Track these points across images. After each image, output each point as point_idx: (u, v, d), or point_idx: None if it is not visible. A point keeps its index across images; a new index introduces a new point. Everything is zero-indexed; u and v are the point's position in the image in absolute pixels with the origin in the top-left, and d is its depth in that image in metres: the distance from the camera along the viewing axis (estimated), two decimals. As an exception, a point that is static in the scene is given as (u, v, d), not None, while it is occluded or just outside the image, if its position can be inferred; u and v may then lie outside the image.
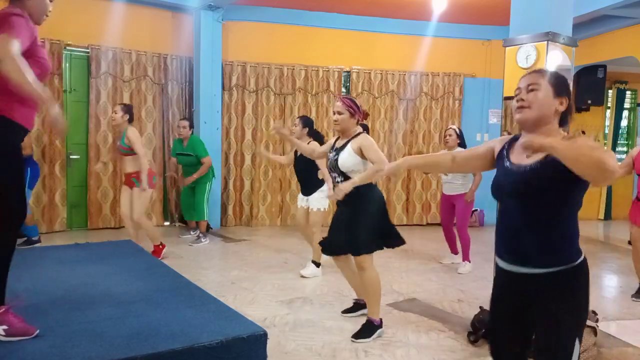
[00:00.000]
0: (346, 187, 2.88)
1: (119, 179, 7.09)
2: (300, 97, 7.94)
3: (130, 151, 5.01)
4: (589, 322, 3.24)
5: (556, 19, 3.27)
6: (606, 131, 10.01)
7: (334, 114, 3.58)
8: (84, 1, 6.83)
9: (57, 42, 6.58)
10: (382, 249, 3.57)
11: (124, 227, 7.10)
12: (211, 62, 7.38)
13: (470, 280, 5.04)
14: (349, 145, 3.51)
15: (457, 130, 5.55)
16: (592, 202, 9.92)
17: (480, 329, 3.44)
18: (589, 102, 9.11)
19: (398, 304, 4.26)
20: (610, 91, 9.83)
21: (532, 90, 1.85)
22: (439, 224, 8.48)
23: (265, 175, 7.88)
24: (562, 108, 1.86)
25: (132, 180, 5.09)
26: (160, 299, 2.59)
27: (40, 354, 1.91)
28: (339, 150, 3.56)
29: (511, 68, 3.33)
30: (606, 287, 5.28)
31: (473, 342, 3.41)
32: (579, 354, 1.81)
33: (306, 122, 5.15)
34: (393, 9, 7.71)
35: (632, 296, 4.64)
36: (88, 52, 6.90)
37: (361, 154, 3.44)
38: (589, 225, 8.98)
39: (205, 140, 7.31)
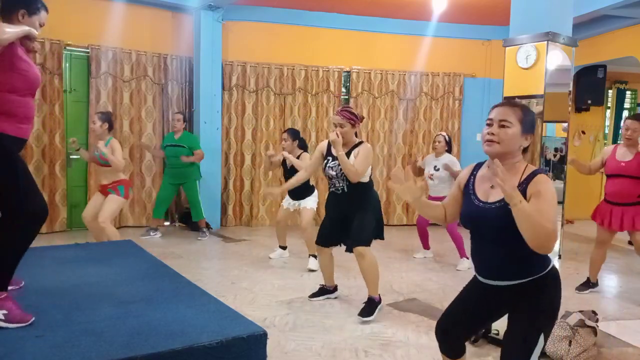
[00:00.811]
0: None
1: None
2: (300, 97, 7.94)
3: (107, 162, 4.89)
4: (588, 322, 3.25)
5: (556, 19, 3.27)
6: (606, 131, 10.01)
7: (335, 126, 3.80)
8: (84, 1, 6.83)
9: (57, 42, 6.57)
10: (378, 237, 4.01)
11: (123, 227, 7.15)
12: (211, 62, 7.38)
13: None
14: (352, 155, 3.81)
15: (446, 137, 5.75)
16: (591, 202, 9.91)
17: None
18: (589, 102, 9.11)
19: (398, 304, 4.26)
20: (610, 91, 9.83)
21: (502, 126, 2.06)
22: (439, 224, 8.50)
23: (265, 175, 7.88)
24: (526, 143, 2.11)
25: (108, 191, 5.02)
26: (160, 299, 2.59)
27: (41, 354, 1.91)
28: (335, 157, 3.83)
29: (511, 68, 3.33)
30: (606, 287, 5.28)
31: (473, 342, 3.41)
32: (542, 347, 2.02)
33: (295, 134, 5.39)
34: (393, 9, 7.71)
35: (576, 288, 4.79)
36: (88, 52, 6.90)
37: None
38: (589, 225, 8.95)
39: (205, 140, 7.34)
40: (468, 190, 2.19)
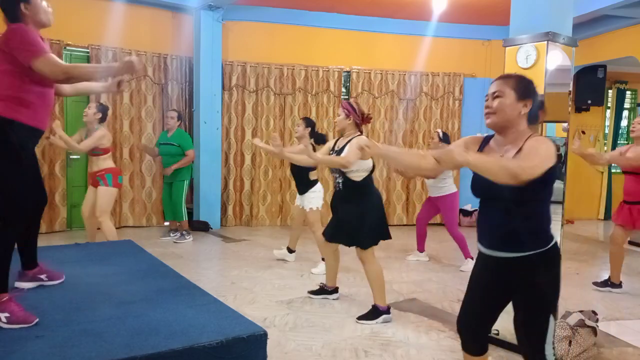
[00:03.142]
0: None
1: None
2: (300, 97, 7.94)
3: (97, 151, 4.99)
4: (588, 322, 3.25)
5: (556, 19, 3.27)
6: (606, 131, 10.01)
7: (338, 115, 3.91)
8: (84, 1, 6.83)
9: (57, 42, 6.57)
10: (376, 243, 3.85)
11: (123, 227, 7.15)
12: (211, 62, 7.38)
13: (470, 280, 5.04)
14: (347, 147, 3.75)
15: (441, 134, 5.74)
16: (592, 202, 9.92)
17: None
18: (589, 102, 9.11)
19: (398, 304, 4.26)
20: (610, 91, 9.83)
21: (496, 97, 2.10)
22: (439, 224, 8.50)
23: (265, 175, 7.88)
24: (526, 110, 2.10)
25: (97, 179, 5.04)
26: (160, 299, 2.59)
27: (41, 354, 1.91)
28: (338, 152, 3.81)
29: (511, 68, 3.32)
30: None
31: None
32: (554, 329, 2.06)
33: (309, 122, 5.29)
34: (393, 9, 7.71)
35: (594, 283, 4.89)
36: (88, 52, 6.90)
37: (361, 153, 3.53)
38: (589, 225, 8.97)
39: (205, 140, 7.34)
40: None
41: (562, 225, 3.39)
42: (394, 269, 5.40)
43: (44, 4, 2.50)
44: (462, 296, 4.48)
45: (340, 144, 3.89)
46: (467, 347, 2.35)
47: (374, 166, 3.90)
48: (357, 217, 3.75)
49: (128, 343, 2.01)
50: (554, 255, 2.13)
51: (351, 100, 4.02)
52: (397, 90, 8.26)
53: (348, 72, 8.18)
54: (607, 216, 9.79)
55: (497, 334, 3.38)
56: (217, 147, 7.50)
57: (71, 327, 2.17)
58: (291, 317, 3.85)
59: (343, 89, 8.26)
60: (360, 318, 3.82)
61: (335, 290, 4.39)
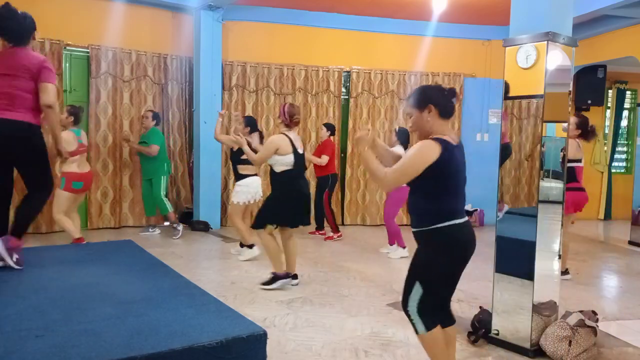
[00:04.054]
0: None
1: (119, 179, 7.11)
2: (300, 97, 7.94)
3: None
4: (588, 322, 3.25)
5: (556, 19, 3.27)
6: (606, 131, 10.01)
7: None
8: (84, 1, 6.83)
9: (57, 42, 6.57)
10: (272, 224, 4.40)
11: (123, 227, 7.15)
12: (211, 62, 7.38)
13: (470, 280, 5.03)
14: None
15: (397, 129, 6.12)
16: (592, 202, 9.89)
17: (480, 329, 3.44)
18: (589, 102, 9.11)
19: (398, 304, 4.24)
20: (610, 91, 9.83)
21: (409, 117, 2.49)
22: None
23: (265, 175, 7.86)
24: (431, 114, 2.42)
25: (61, 179, 5.29)
26: (160, 299, 2.59)
27: (41, 354, 1.91)
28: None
29: (511, 68, 3.33)
30: (606, 287, 5.28)
31: (473, 342, 3.41)
32: (423, 295, 2.43)
33: (249, 122, 5.69)
34: (393, 9, 7.71)
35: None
36: (88, 52, 6.90)
37: (274, 149, 4.29)
38: (589, 225, 8.97)
39: (205, 140, 7.34)
40: None
41: (562, 225, 3.39)
42: (394, 269, 5.40)
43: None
44: (462, 296, 4.51)
45: None
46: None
47: (296, 162, 4.33)
48: (266, 202, 4.47)
49: (128, 343, 2.01)
50: (433, 237, 2.43)
51: (289, 104, 4.50)
52: (397, 90, 8.26)
53: (348, 72, 8.18)
54: (607, 216, 9.80)
55: (497, 334, 3.39)
56: (217, 147, 7.49)
57: (71, 327, 2.17)
58: (291, 317, 3.85)
59: (343, 89, 8.26)
60: (262, 283, 4.50)
61: (288, 275, 4.57)
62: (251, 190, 5.57)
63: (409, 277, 2.50)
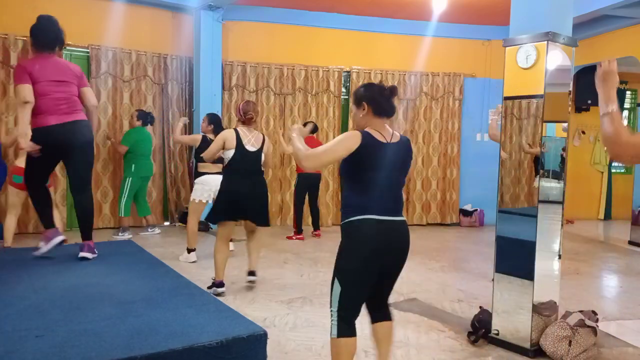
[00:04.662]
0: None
1: (119, 179, 7.10)
2: (300, 97, 7.95)
3: None
4: (588, 322, 3.25)
5: (556, 19, 3.27)
6: (606, 131, 10.00)
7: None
8: (84, 1, 6.83)
9: (57, 42, 6.57)
10: (222, 220, 4.33)
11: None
12: (211, 62, 7.38)
13: (470, 280, 5.04)
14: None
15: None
16: (592, 202, 9.93)
17: (480, 329, 3.44)
18: (589, 102, 9.12)
19: (398, 304, 4.26)
20: (610, 91, 9.82)
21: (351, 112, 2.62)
22: (439, 224, 8.51)
23: (265, 175, 7.86)
24: (364, 112, 2.52)
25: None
26: (160, 299, 2.59)
27: (41, 354, 1.91)
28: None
29: (511, 68, 3.33)
30: (606, 287, 5.28)
31: (473, 342, 3.41)
32: (341, 292, 2.39)
33: (212, 119, 5.71)
34: (393, 9, 7.71)
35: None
36: (88, 52, 6.90)
37: (222, 143, 4.29)
38: (589, 225, 8.98)
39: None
40: None
41: (562, 225, 3.39)
42: (394, 269, 5.39)
43: None
44: (462, 296, 4.51)
45: None
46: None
47: (237, 158, 4.25)
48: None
49: (128, 343, 2.01)
50: (345, 231, 2.44)
51: (245, 101, 4.48)
52: (397, 90, 8.25)
53: (348, 72, 8.18)
54: (607, 216, 9.80)
55: (497, 334, 3.39)
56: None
57: (71, 327, 2.17)
58: (291, 317, 3.85)
59: (343, 89, 8.26)
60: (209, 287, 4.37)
61: (220, 284, 4.39)
62: (207, 188, 5.46)
63: (332, 274, 2.48)
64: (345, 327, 2.41)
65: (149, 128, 6.83)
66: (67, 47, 6.75)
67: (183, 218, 7.58)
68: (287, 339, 3.43)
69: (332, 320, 2.44)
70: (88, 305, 2.47)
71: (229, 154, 4.26)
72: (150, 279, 2.98)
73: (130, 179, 6.58)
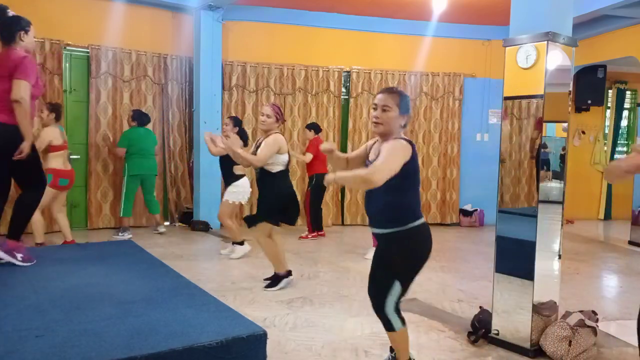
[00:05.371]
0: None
1: (119, 179, 7.10)
2: (300, 97, 7.95)
3: (46, 148, 5.20)
4: (588, 322, 3.25)
5: (556, 19, 3.27)
6: (606, 131, 10.01)
7: (262, 115, 4.37)
8: (84, 1, 6.83)
9: (57, 42, 6.58)
10: (278, 225, 4.47)
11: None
12: (211, 62, 7.38)
13: (470, 280, 5.04)
14: (262, 144, 4.29)
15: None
16: (592, 202, 9.92)
17: (480, 329, 3.44)
18: (589, 102, 9.11)
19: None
20: (610, 91, 9.83)
21: (384, 110, 2.53)
22: (439, 224, 8.51)
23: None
24: (404, 122, 2.60)
25: None
26: (160, 299, 2.59)
27: (41, 354, 1.91)
28: (258, 147, 4.34)
29: (511, 68, 3.32)
30: (606, 287, 5.28)
31: (473, 342, 3.41)
32: (401, 291, 2.59)
33: (236, 121, 5.74)
34: (393, 9, 7.71)
35: None
36: (88, 52, 6.90)
37: (277, 149, 4.25)
38: (589, 225, 8.97)
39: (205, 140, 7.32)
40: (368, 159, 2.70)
41: (562, 225, 3.39)
42: (394, 269, 5.39)
43: (33, 37, 3.26)
44: (462, 296, 4.51)
45: (262, 139, 4.37)
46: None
47: (289, 161, 4.40)
48: (261, 203, 4.43)
49: (128, 343, 2.01)
50: (409, 234, 2.55)
51: (277, 105, 4.49)
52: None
53: (348, 72, 8.18)
54: (607, 216, 9.80)
55: (497, 334, 3.38)
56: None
57: (71, 327, 2.18)
58: (291, 317, 3.85)
59: (343, 89, 8.26)
60: (266, 287, 4.46)
61: (289, 273, 4.59)
62: (246, 190, 5.65)
63: (384, 278, 2.59)
64: (402, 318, 2.65)
65: (149, 127, 6.84)
66: (67, 47, 6.77)
67: (183, 218, 7.59)
68: (287, 339, 3.43)
69: (388, 319, 2.61)
70: (88, 305, 2.47)
71: (284, 158, 4.33)
72: (150, 279, 2.98)
73: (125, 178, 6.62)
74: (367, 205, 2.68)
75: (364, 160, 2.73)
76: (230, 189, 5.62)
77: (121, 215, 6.63)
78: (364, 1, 7.38)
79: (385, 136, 2.57)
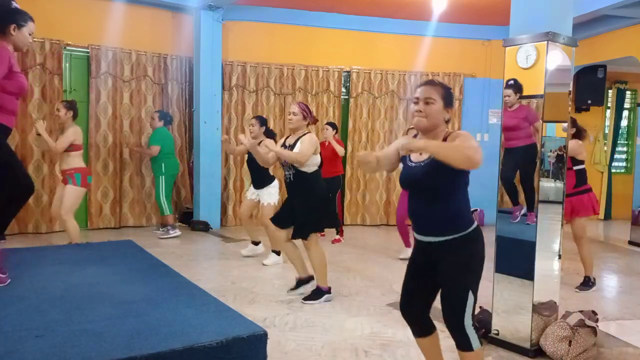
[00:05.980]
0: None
1: (119, 179, 7.11)
2: (300, 97, 7.94)
3: (69, 148, 5.07)
4: (588, 322, 3.25)
5: (556, 19, 3.27)
6: (606, 131, 10.01)
7: (289, 114, 4.20)
8: (84, 1, 6.83)
9: (57, 42, 6.57)
10: (321, 231, 4.24)
11: (123, 227, 7.15)
12: (211, 62, 7.38)
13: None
14: (298, 143, 4.09)
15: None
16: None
17: (480, 329, 3.44)
18: (589, 102, 9.11)
19: (398, 304, 4.25)
20: (610, 91, 9.83)
21: (427, 103, 2.30)
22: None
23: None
24: (448, 116, 2.38)
25: (66, 177, 5.13)
26: (160, 299, 2.59)
27: (41, 354, 1.91)
28: (291, 148, 4.12)
29: (511, 68, 3.33)
30: (606, 287, 5.28)
31: (473, 342, 3.40)
32: (472, 304, 2.30)
33: (262, 121, 5.52)
34: (393, 9, 7.71)
35: (576, 288, 4.78)
36: (88, 52, 6.90)
37: (315, 148, 4.07)
38: (589, 225, 8.93)
39: (205, 140, 7.34)
40: (405, 157, 2.43)
41: (562, 225, 3.39)
42: (394, 269, 5.40)
43: (29, 35, 2.94)
44: (462, 296, 4.49)
45: (290, 141, 4.18)
46: (412, 330, 2.60)
47: (321, 162, 4.22)
48: (305, 209, 4.07)
49: (128, 343, 2.01)
50: (474, 238, 2.33)
51: (306, 104, 4.32)
52: (397, 90, 8.26)
53: (348, 72, 8.18)
54: (607, 216, 9.79)
55: (497, 334, 3.38)
56: (217, 147, 7.49)
57: (71, 327, 2.18)
58: (291, 317, 3.85)
59: (343, 89, 8.26)
60: (305, 299, 4.18)
61: (311, 277, 4.42)
62: (278, 190, 5.59)
63: (459, 292, 2.29)
64: (479, 335, 2.36)
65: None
66: (67, 47, 6.76)
67: (183, 218, 7.59)
68: (287, 339, 3.43)
69: (467, 336, 2.31)
70: (88, 305, 2.47)
71: (318, 158, 4.18)
72: (150, 279, 2.98)
73: (163, 177, 6.62)
74: (416, 208, 2.39)
75: (394, 162, 2.50)
76: (267, 190, 5.49)
77: (166, 214, 6.64)
78: (364, 1, 7.37)
79: (428, 132, 2.32)
